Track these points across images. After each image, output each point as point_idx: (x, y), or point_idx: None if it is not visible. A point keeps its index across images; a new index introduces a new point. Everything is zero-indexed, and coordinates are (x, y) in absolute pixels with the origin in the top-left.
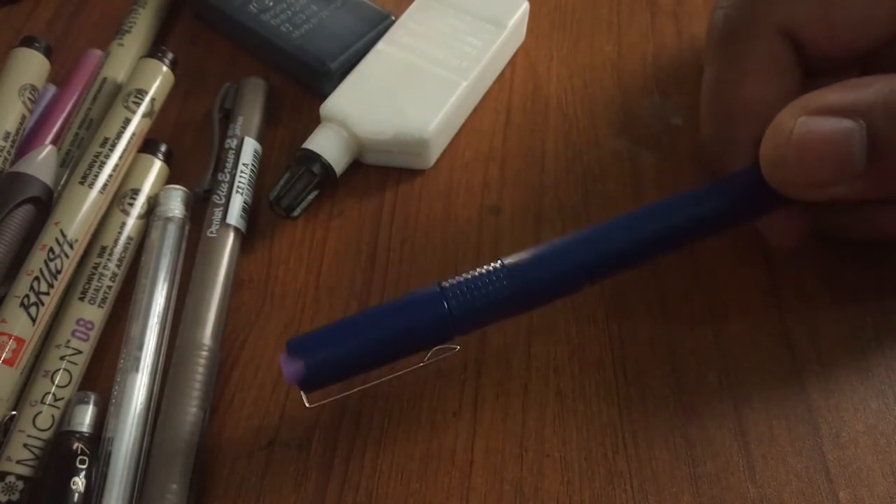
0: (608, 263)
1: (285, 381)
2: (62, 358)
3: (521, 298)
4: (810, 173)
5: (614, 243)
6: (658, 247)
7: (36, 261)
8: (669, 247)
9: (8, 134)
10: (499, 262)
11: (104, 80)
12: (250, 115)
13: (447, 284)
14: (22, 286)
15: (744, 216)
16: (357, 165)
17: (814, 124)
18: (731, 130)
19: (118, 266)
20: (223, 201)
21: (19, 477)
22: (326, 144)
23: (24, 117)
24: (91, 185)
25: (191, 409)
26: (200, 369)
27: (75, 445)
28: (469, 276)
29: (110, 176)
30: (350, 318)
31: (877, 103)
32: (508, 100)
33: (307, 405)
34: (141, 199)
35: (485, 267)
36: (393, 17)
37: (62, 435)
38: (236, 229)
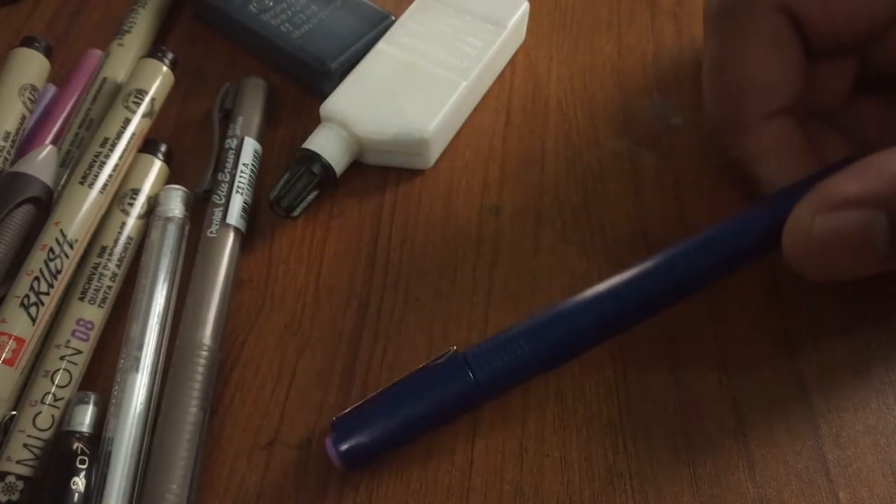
0: (625, 318)
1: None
2: (62, 358)
3: (543, 361)
4: (834, 266)
5: (628, 298)
6: (672, 297)
7: (36, 261)
8: (685, 295)
9: (8, 134)
10: (517, 328)
11: (104, 80)
12: (250, 115)
13: (470, 353)
14: (22, 286)
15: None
16: (357, 165)
17: (833, 221)
18: (737, 109)
19: (118, 266)
20: (223, 201)
21: (19, 477)
22: (326, 144)
23: (24, 117)
24: (91, 185)
25: (191, 409)
26: (200, 369)
27: (75, 445)
28: (490, 343)
29: (110, 176)
30: (382, 402)
31: (891, 191)
32: (508, 100)
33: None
34: (141, 199)
35: (504, 333)
36: (393, 17)
37: (62, 435)
38: (236, 229)
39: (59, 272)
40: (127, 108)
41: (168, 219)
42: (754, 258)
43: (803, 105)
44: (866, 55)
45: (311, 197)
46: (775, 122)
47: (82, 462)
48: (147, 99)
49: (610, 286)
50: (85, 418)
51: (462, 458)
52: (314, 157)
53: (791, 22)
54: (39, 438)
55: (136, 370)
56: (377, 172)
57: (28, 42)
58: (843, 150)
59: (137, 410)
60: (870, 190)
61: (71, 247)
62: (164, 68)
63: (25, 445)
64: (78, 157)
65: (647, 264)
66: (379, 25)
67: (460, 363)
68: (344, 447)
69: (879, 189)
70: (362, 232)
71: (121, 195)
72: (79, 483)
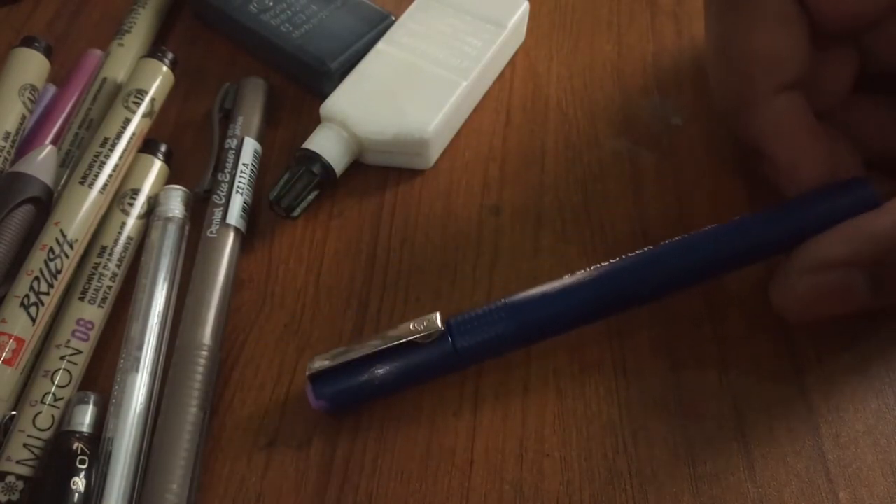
0: (608, 303)
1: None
2: (62, 358)
3: (521, 334)
4: (816, 314)
5: (613, 284)
6: (655, 289)
7: (36, 261)
8: (667, 289)
9: (8, 134)
10: (501, 301)
11: (104, 80)
12: (250, 115)
13: (452, 321)
14: (22, 286)
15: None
16: (357, 165)
17: (816, 281)
18: (747, 84)
19: (118, 266)
20: (223, 201)
21: (19, 477)
22: (326, 144)
23: (24, 117)
24: (91, 185)
25: (191, 409)
26: (200, 369)
27: (75, 445)
28: (473, 314)
29: (110, 176)
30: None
31: (870, 252)
32: (508, 100)
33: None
34: (141, 199)
35: (487, 306)
36: (393, 17)
37: (62, 435)
38: (236, 229)
39: (59, 272)
40: (127, 108)
41: (168, 219)
42: (747, 263)
43: (810, 88)
44: (866, 53)
45: (311, 197)
46: (786, 96)
47: (82, 462)
48: (147, 99)
49: (599, 272)
50: (85, 418)
51: (462, 458)
52: (314, 157)
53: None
54: (39, 438)
55: (136, 370)
56: (377, 172)
57: (28, 42)
58: (844, 150)
59: (137, 410)
60: (851, 253)
61: (71, 247)
62: (164, 68)
63: (25, 445)
64: (78, 157)
65: (638, 255)
66: (379, 25)
67: (442, 331)
68: (322, 388)
69: (859, 250)
70: (362, 232)
71: (121, 195)
72: (79, 483)
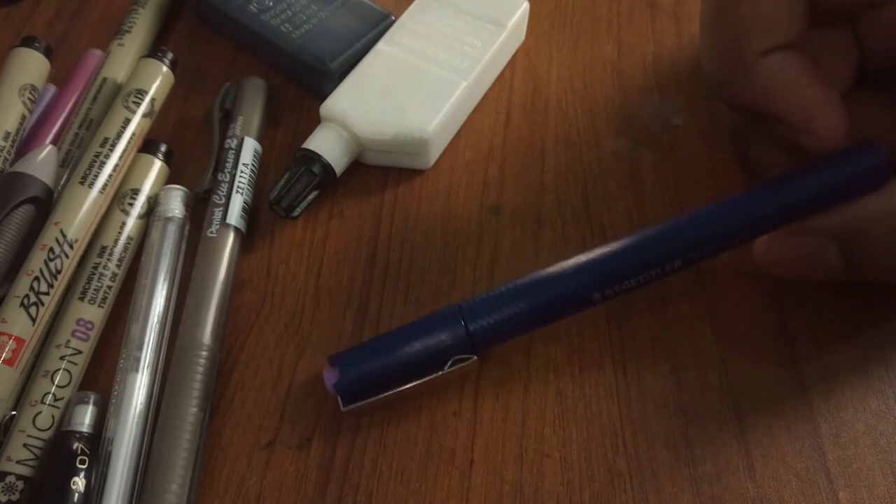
0: (617, 279)
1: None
2: (62, 358)
3: (534, 315)
4: (792, 275)
5: (625, 263)
6: (663, 266)
7: (36, 261)
8: (674, 264)
9: (8, 134)
10: (512, 283)
11: (104, 80)
12: (250, 115)
13: (465, 304)
14: (22, 286)
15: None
16: (357, 165)
17: (790, 243)
18: (740, 46)
19: (118, 266)
20: (223, 201)
21: (19, 477)
22: (326, 144)
23: (24, 117)
24: (91, 185)
25: (191, 409)
26: (200, 369)
27: (75, 445)
28: (484, 296)
29: (110, 176)
30: (378, 340)
31: (846, 228)
32: (508, 100)
33: (342, 409)
34: (141, 199)
35: (497, 288)
36: (393, 17)
37: (62, 435)
38: (236, 229)
39: (59, 272)
40: (127, 108)
41: (168, 219)
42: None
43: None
44: (863, 48)
45: (311, 197)
46: (780, 54)
47: (82, 462)
48: (147, 99)
49: (607, 251)
50: (85, 418)
51: (462, 458)
52: (314, 157)
53: None
54: (39, 438)
55: (136, 370)
56: (377, 172)
57: (28, 42)
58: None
59: (137, 410)
60: (827, 224)
61: (71, 247)
62: (164, 68)
63: (25, 445)
64: (78, 157)
65: (643, 233)
66: (379, 25)
67: (455, 314)
68: (340, 378)
69: (837, 224)
70: (362, 232)
71: (121, 195)
72: (79, 483)
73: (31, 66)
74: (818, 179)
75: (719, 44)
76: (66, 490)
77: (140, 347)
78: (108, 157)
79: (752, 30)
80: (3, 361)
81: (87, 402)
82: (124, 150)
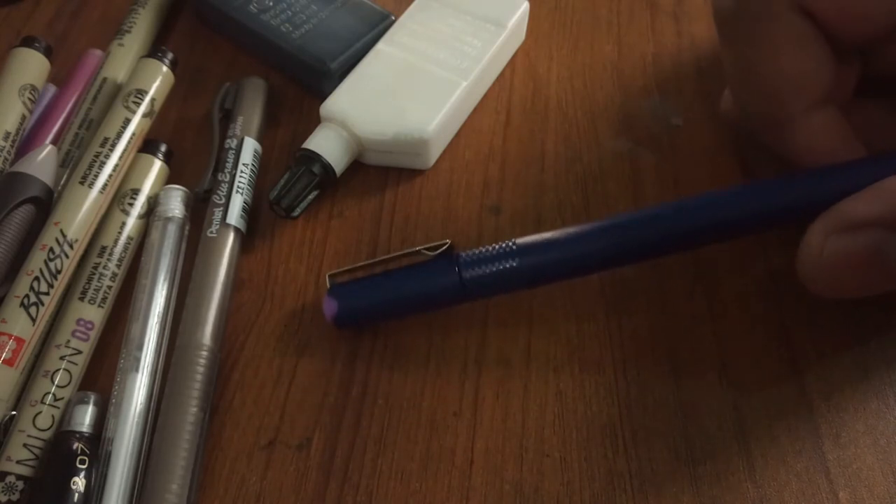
0: (619, 253)
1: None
2: (62, 358)
3: (527, 273)
4: (845, 285)
5: (625, 234)
6: (666, 243)
7: (36, 261)
8: (677, 244)
9: (8, 134)
10: (512, 241)
11: (104, 80)
12: (250, 115)
13: (462, 255)
14: (22, 286)
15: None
16: (357, 165)
17: (844, 242)
18: (778, 105)
19: (118, 266)
20: (223, 201)
21: (19, 477)
22: (326, 144)
23: (24, 117)
24: (91, 185)
25: (191, 409)
26: (200, 369)
27: (75, 445)
28: (482, 249)
29: (110, 176)
30: (377, 277)
31: None
32: (508, 100)
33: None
34: (141, 199)
35: (497, 244)
36: (393, 17)
37: (62, 435)
38: (236, 229)
39: (59, 272)
40: (127, 108)
41: (168, 219)
42: (775, 225)
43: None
44: (869, 57)
45: (311, 197)
46: (819, 112)
47: (82, 462)
48: (147, 99)
49: (609, 221)
50: (85, 418)
51: (462, 458)
52: (314, 157)
53: (811, 19)
54: (39, 438)
55: (136, 370)
56: (377, 172)
57: (28, 42)
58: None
59: (137, 410)
60: (882, 211)
61: (71, 247)
62: (164, 68)
63: (25, 445)
64: (78, 157)
65: (650, 209)
66: (379, 25)
67: (452, 264)
68: (338, 310)
69: (892, 211)
70: (362, 232)
71: (121, 195)
72: (79, 483)
73: (31, 66)
74: (868, 168)
75: (756, 100)
76: (66, 490)
77: (140, 347)
78: (108, 157)
79: (790, 90)
80: (3, 361)
81: (87, 402)
82: (124, 150)
